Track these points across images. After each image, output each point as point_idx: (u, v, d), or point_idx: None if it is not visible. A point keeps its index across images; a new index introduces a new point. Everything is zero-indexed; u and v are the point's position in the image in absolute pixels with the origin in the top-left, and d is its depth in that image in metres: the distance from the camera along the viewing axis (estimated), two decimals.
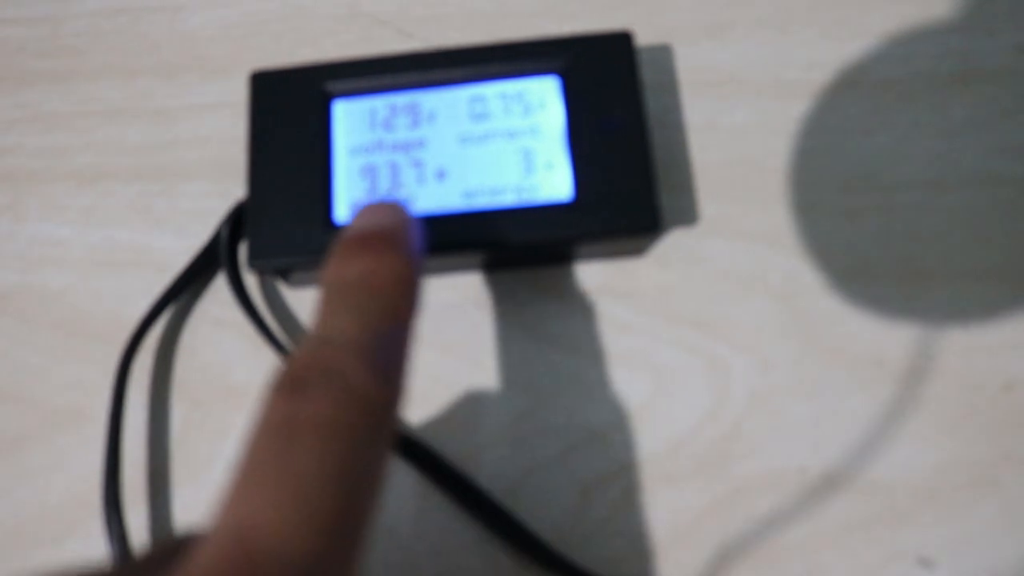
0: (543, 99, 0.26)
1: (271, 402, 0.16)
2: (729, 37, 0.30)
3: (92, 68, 0.32)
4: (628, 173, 0.25)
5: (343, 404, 0.16)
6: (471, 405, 0.27)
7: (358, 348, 0.17)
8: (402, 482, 0.26)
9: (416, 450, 0.26)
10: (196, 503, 0.27)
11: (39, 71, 0.32)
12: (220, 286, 0.29)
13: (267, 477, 0.15)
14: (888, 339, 0.27)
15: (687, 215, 0.28)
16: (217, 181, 0.30)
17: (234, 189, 0.29)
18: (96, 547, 0.26)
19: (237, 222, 0.28)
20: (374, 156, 0.26)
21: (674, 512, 0.25)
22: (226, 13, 0.32)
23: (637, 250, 0.27)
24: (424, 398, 0.27)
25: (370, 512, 0.16)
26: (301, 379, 0.16)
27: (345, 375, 0.17)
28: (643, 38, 0.30)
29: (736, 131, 0.29)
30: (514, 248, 0.25)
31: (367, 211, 0.20)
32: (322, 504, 0.15)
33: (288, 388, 0.16)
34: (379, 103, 0.26)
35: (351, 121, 0.26)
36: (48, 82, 0.32)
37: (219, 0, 0.32)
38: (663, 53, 0.30)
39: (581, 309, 0.27)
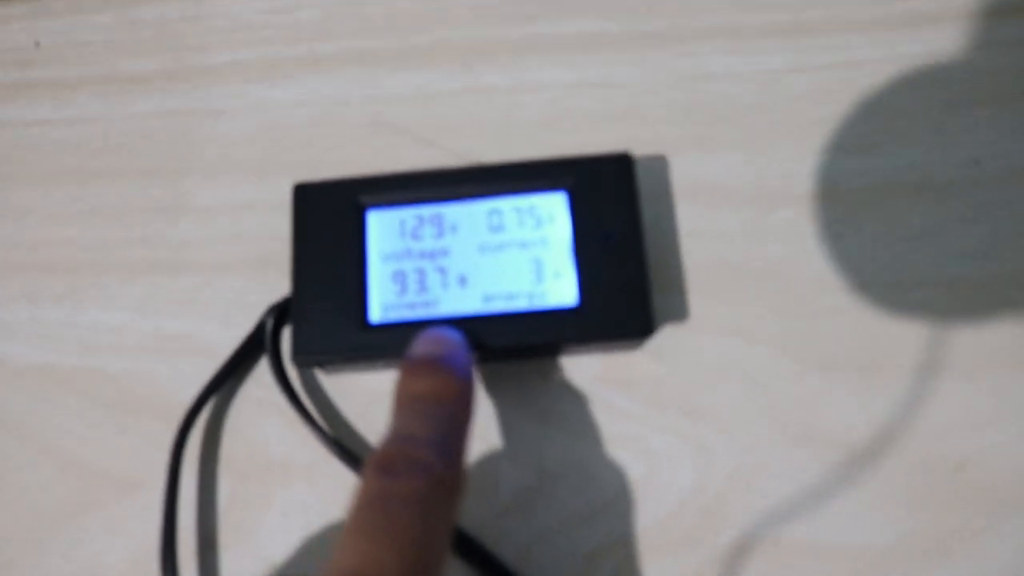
0: (552, 213, 0.31)
1: (369, 480, 0.23)
2: (717, 151, 0.35)
3: (141, 167, 0.37)
4: (626, 283, 0.30)
5: (424, 483, 0.23)
6: (485, 480, 0.32)
7: (433, 444, 0.24)
8: None
9: None
10: (242, 566, 0.31)
11: (93, 169, 0.37)
12: (262, 371, 0.33)
13: (370, 534, 0.22)
14: (853, 423, 0.31)
15: (678, 312, 0.33)
16: (257, 274, 0.34)
17: (272, 281, 0.34)
18: None
19: (280, 315, 0.32)
20: (404, 262, 0.31)
21: None
22: (263, 118, 0.37)
23: (633, 345, 0.32)
24: None
25: (444, 558, 0.23)
26: (392, 464, 0.24)
27: (424, 463, 0.24)
28: (639, 149, 0.35)
29: (722, 236, 0.34)
30: (526, 348, 0.30)
31: (428, 338, 0.28)
32: (411, 553, 0.22)
33: (383, 471, 0.23)
34: (408, 214, 0.31)
35: (383, 230, 0.31)
36: (101, 179, 0.37)
37: (255, 106, 0.37)
38: (657, 163, 0.35)
39: (582, 396, 0.32)
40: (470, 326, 0.30)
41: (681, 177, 0.35)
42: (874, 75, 0.36)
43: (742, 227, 0.34)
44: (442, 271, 0.30)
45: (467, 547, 0.30)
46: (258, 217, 0.35)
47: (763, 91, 0.36)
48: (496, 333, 0.29)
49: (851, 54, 0.36)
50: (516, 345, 0.29)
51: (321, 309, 0.30)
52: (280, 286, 0.33)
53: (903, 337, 0.32)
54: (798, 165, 0.35)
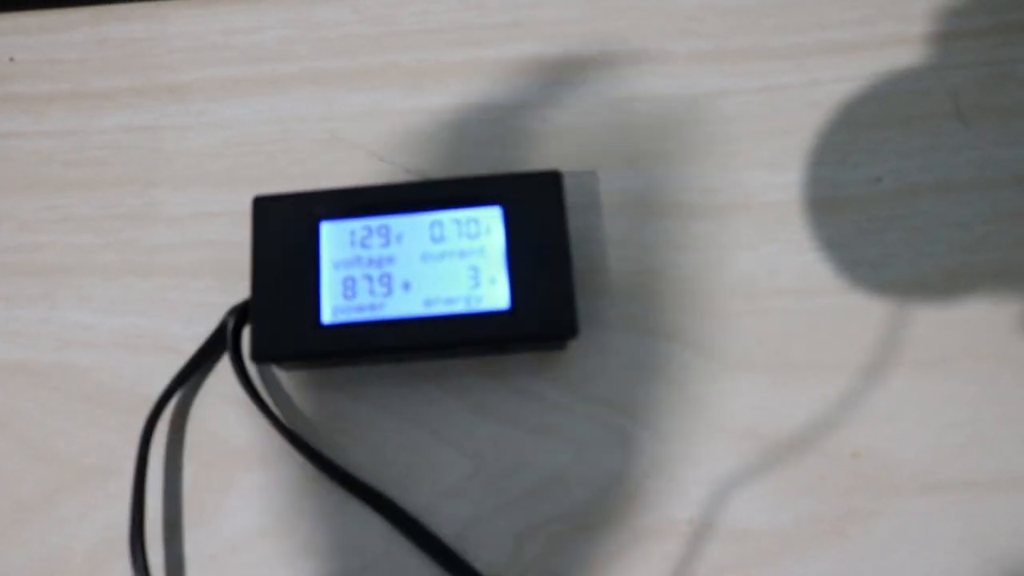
0: (489, 225, 0.35)
1: None
2: (642, 166, 0.40)
3: (113, 178, 0.41)
4: (554, 288, 0.34)
5: None
6: (427, 465, 0.36)
7: None
8: (372, 528, 0.35)
9: (382, 501, 0.35)
10: (205, 545, 0.36)
11: (68, 178, 0.41)
12: (223, 367, 0.38)
13: None
14: (761, 417, 0.36)
15: (604, 314, 0.38)
16: (220, 278, 0.39)
17: (235, 285, 0.38)
18: None
19: (240, 316, 0.37)
20: (353, 269, 0.35)
21: (587, 555, 0.35)
22: (227, 134, 0.41)
23: (561, 345, 0.37)
24: (390, 459, 0.36)
25: None
26: None
27: None
28: (574, 165, 0.39)
29: (645, 245, 0.39)
30: (464, 346, 0.35)
31: None
32: None
33: None
34: (357, 225, 0.36)
35: (335, 240, 0.36)
36: (75, 188, 0.41)
37: (221, 123, 0.42)
38: (588, 178, 0.40)
39: (517, 390, 0.37)
40: (412, 327, 0.34)
41: (610, 191, 0.39)
42: (791, 99, 0.41)
43: (665, 237, 0.39)
44: (388, 277, 0.35)
45: (410, 528, 0.35)
46: (222, 226, 0.40)
47: (688, 112, 0.41)
48: (436, 333, 0.34)
49: (770, 79, 0.41)
50: (454, 344, 0.34)
51: (277, 311, 0.35)
52: (241, 289, 0.37)
53: (808, 339, 0.37)
54: (717, 181, 0.39)
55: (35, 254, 0.40)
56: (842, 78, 0.41)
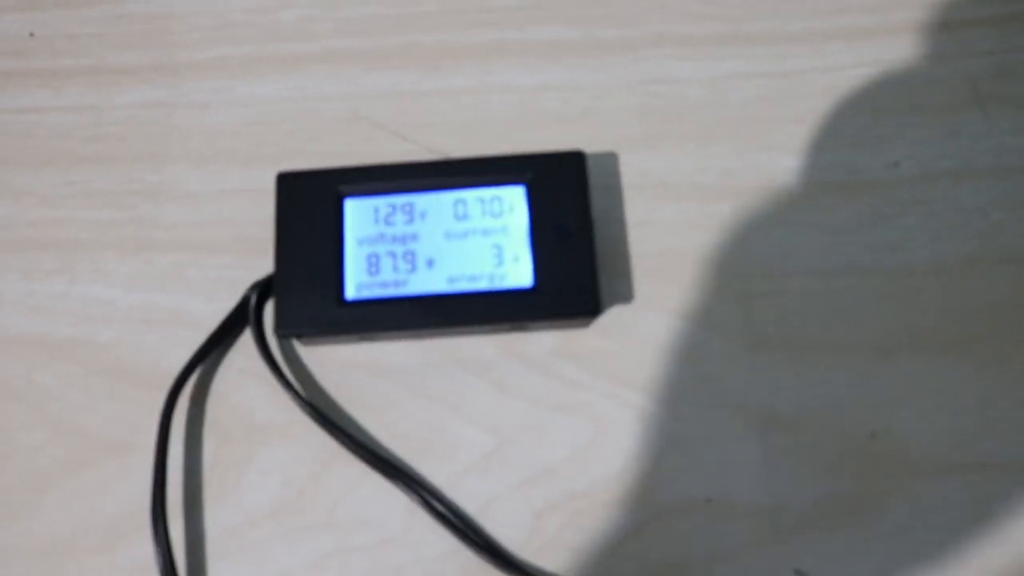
0: (512, 204, 0.36)
1: None
2: (662, 148, 0.41)
3: (132, 153, 0.42)
4: (576, 267, 0.35)
5: None
6: (448, 441, 0.37)
7: None
8: (393, 503, 0.36)
9: (403, 476, 0.36)
10: (225, 519, 0.36)
11: (85, 154, 0.42)
12: (244, 343, 0.38)
13: None
14: (779, 397, 0.37)
15: (625, 294, 0.38)
16: (239, 255, 0.39)
17: (254, 262, 0.39)
18: (140, 555, 0.35)
19: (262, 292, 0.37)
20: (377, 246, 0.36)
21: (608, 532, 0.36)
22: (246, 112, 0.42)
23: (583, 324, 0.37)
24: (412, 436, 0.37)
25: None
26: None
27: None
28: (595, 147, 0.40)
29: (665, 226, 0.39)
30: (486, 324, 0.35)
31: None
32: None
33: None
34: (382, 202, 0.36)
35: (359, 216, 0.36)
36: (93, 164, 0.41)
37: (240, 101, 0.42)
38: (609, 159, 0.40)
39: (537, 368, 0.38)
40: (436, 304, 0.35)
41: (631, 173, 0.40)
42: (809, 83, 0.42)
43: (684, 218, 0.39)
44: (411, 254, 0.36)
45: (430, 503, 0.35)
46: (241, 203, 0.40)
47: (707, 95, 0.42)
48: (459, 310, 0.35)
49: (789, 64, 0.42)
50: (477, 321, 0.35)
51: (301, 286, 0.35)
52: (260, 266, 0.38)
53: (826, 320, 0.38)
54: (736, 163, 0.40)
55: (53, 229, 0.40)
56: (860, 63, 0.42)
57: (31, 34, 0.44)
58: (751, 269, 0.39)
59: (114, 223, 0.40)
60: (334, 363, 0.38)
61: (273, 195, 0.37)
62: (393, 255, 0.36)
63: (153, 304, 0.39)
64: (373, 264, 0.36)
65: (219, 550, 0.36)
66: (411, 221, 0.36)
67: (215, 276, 0.39)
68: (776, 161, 0.40)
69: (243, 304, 0.38)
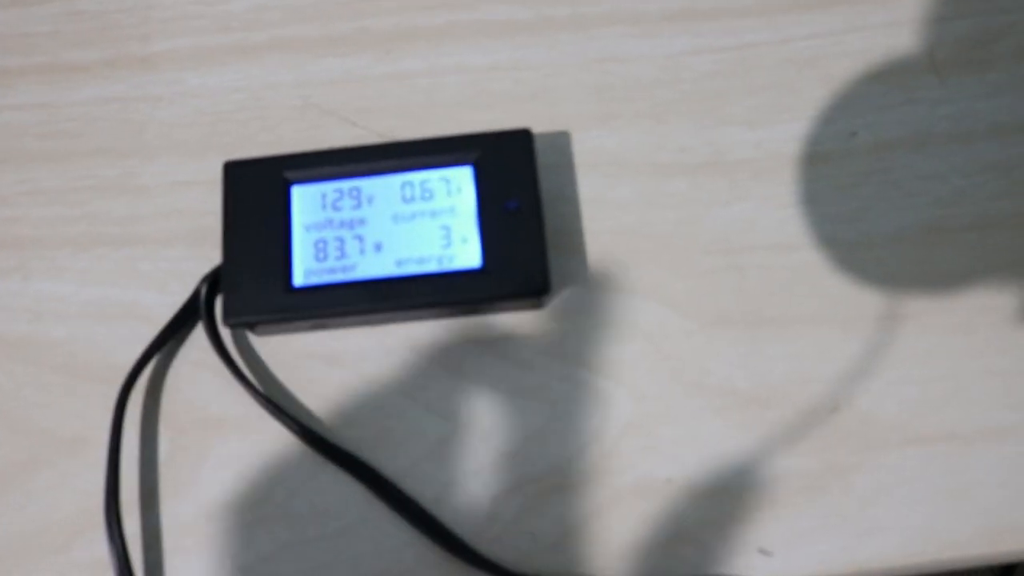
0: (460, 185, 0.35)
1: None
2: (615, 125, 0.39)
3: (86, 149, 0.40)
4: (526, 246, 0.33)
5: None
6: (404, 428, 0.35)
7: None
8: (349, 493, 0.34)
9: (359, 466, 0.34)
10: (181, 513, 0.34)
11: (38, 151, 0.40)
12: (197, 336, 0.37)
13: None
14: (739, 373, 0.35)
15: (578, 274, 0.37)
16: (193, 247, 0.38)
17: (207, 253, 0.37)
18: (97, 553, 0.34)
19: (213, 283, 0.36)
20: (324, 232, 0.34)
21: (565, 515, 0.34)
22: (198, 103, 0.40)
23: (536, 305, 0.36)
24: (366, 423, 0.35)
25: None
26: None
27: None
28: (546, 126, 0.38)
29: (620, 204, 0.38)
30: (436, 306, 0.33)
31: None
32: None
33: None
34: (328, 188, 0.35)
35: (306, 203, 0.35)
36: (47, 161, 0.40)
37: (192, 92, 0.40)
38: (562, 138, 0.39)
39: (491, 351, 0.36)
40: (385, 287, 0.33)
41: (584, 151, 0.38)
42: (762, 56, 0.40)
43: (639, 196, 0.38)
44: (359, 239, 0.34)
45: (387, 492, 0.34)
46: (194, 194, 0.39)
47: (661, 72, 0.40)
48: (409, 293, 0.33)
49: (742, 37, 0.40)
50: (427, 303, 0.33)
51: (249, 275, 0.34)
52: (215, 257, 0.36)
53: (786, 294, 0.36)
54: (692, 139, 0.38)
55: (7, 227, 0.39)
56: (815, 35, 0.40)
57: None
58: (708, 245, 0.37)
59: (67, 219, 0.39)
60: (288, 353, 0.36)
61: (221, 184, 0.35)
62: (341, 240, 0.34)
63: (107, 299, 0.38)
64: (321, 250, 0.34)
65: (176, 545, 0.34)
66: (358, 206, 0.34)
67: (169, 268, 0.38)
68: (732, 136, 0.39)
69: (194, 297, 0.36)
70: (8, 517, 0.35)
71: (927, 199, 0.37)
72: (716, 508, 0.34)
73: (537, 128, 0.36)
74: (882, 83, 0.39)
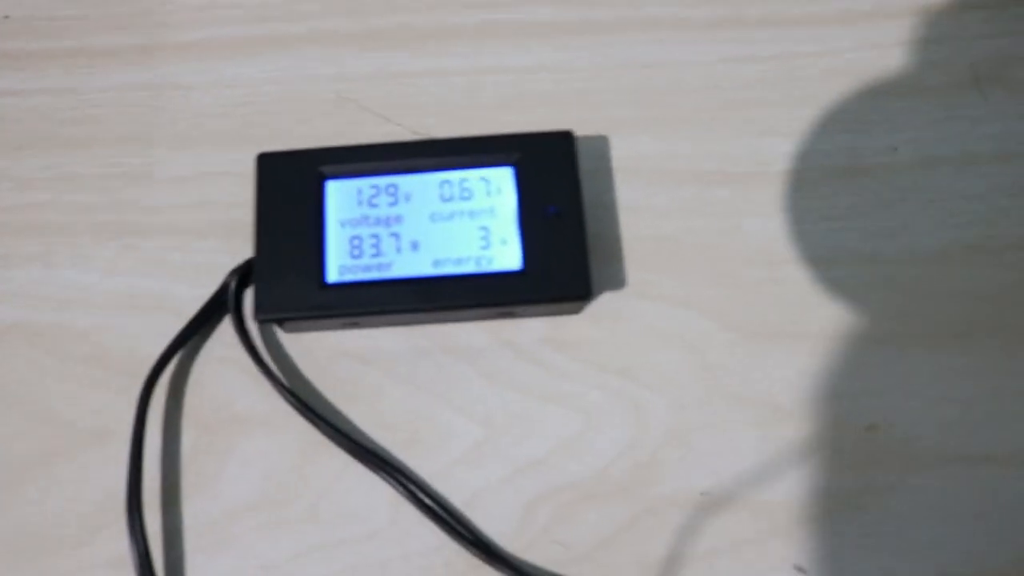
0: (500, 186, 0.34)
1: None
2: (657, 132, 0.38)
3: (114, 136, 0.39)
4: (567, 249, 0.32)
5: None
6: (435, 432, 0.34)
7: None
8: (380, 495, 0.33)
9: (391, 469, 0.33)
10: (204, 511, 0.33)
11: (64, 138, 0.39)
12: (224, 330, 0.36)
13: None
14: (778, 387, 0.34)
15: (616, 280, 0.36)
16: (224, 239, 0.37)
17: (238, 246, 0.36)
18: (117, 548, 0.32)
19: (243, 277, 0.35)
20: (360, 228, 0.33)
21: (599, 526, 0.33)
22: (231, 93, 0.39)
23: (574, 310, 0.35)
24: (398, 427, 0.34)
25: None
26: None
27: None
28: (587, 129, 0.37)
29: (659, 211, 0.37)
30: (474, 307, 0.32)
31: None
32: None
33: None
34: (365, 184, 0.34)
35: (341, 198, 0.34)
36: (72, 147, 0.39)
37: (225, 82, 0.39)
38: (602, 143, 0.38)
39: (528, 356, 0.35)
40: (421, 287, 0.32)
41: (624, 157, 0.38)
42: (807, 67, 0.39)
43: (680, 204, 0.37)
44: (396, 236, 0.33)
45: (417, 496, 0.33)
46: (225, 186, 0.38)
47: (703, 79, 0.39)
48: (445, 293, 0.32)
49: (787, 47, 0.39)
50: (464, 304, 0.32)
51: (281, 269, 0.33)
52: (244, 250, 0.35)
53: (825, 308, 0.35)
54: (734, 148, 0.38)
55: (31, 212, 0.38)
56: (859, 47, 0.39)
57: (6, 16, 0.41)
58: (750, 256, 0.36)
59: (94, 207, 0.38)
60: (317, 351, 0.35)
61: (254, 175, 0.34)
62: (377, 237, 0.33)
63: (134, 289, 0.36)
64: (356, 247, 0.33)
65: (198, 543, 0.33)
66: (395, 203, 0.33)
67: (199, 261, 0.37)
68: (774, 146, 0.38)
69: (222, 290, 0.35)
70: (28, 509, 0.34)
71: (969, 217, 0.36)
72: (752, 522, 0.33)
73: (577, 132, 0.35)
74: (924, 99, 0.38)
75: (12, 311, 0.36)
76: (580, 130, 0.36)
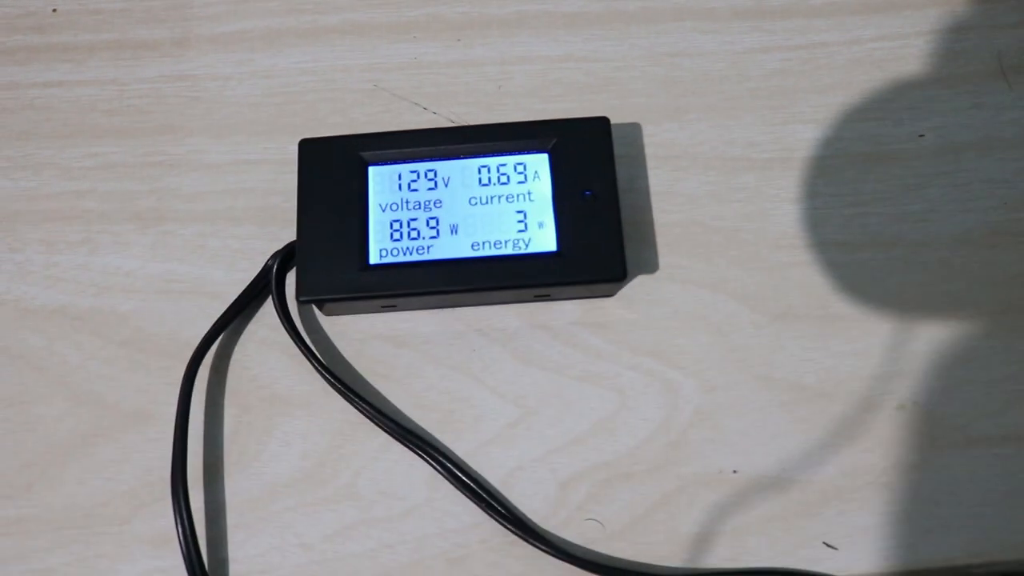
0: (536, 170, 0.34)
1: None
2: (686, 119, 0.38)
3: (154, 126, 0.39)
4: (602, 232, 0.33)
5: None
6: (471, 412, 0.34)
7: None
8: (417, 474, 0.33)
9: (428, 448, 0.33)
10: (245, 489, 0.34)
11: (107, 127, 0.39)
12: (264, 312, 0.36)
13: None
14: (806, 368, 0.34)
15: (649, 264, 0.36)
16: (261, 226, 0.37)
17: (276, 232, 0.36)
18: (158, 525, 0.33)
19: (284, 260, 0.35)
20: (400, 212, 0.33)
21: (632, 503, 0.33)
22: (268, 83, 0.40)
23: (608, 292, 0.35)
24: (435, 407, 0.34)
25: None
26: None
27: None
28: (618, 117, 0.37)
29: (690, 197, 0.37)
30: (509, 289, 0.33)
31: None
32: None
33: None
34: (405, 169, 0.34)
35: (382, 183, 0.34)
36: (115, 137, 0.39)
37: (262, 72, 0.40)
38: (633, 130, 0.38)
39: (562, 338, 0.35)
40: (459, 268, 0.33)
41: (654, 144, 0.38)
42: (831, 56, 0.39)
43: (708, 189, 0.37)
44: (436, 220, 0.33)
45: (454, 474, 0.33)
46: (262, 174, 0.38)
47: (730, 68, 0.39)
48: (483, 275, 0.33)
49: (811, 37, 0.40)
50: (501, 286, 0.33)
51: (324, 252, 0.33)
52: (281, 236, 0.36)
53: (851, 291, 0.35)
54: (761, 135, 0.38)
55: (74, 200, 0.38)
56: (883, 36, 0.39)
57: (54, 10, 0.42)
58: (777, 240, 0.36)
59: (136, 194, 0.38)
60: (356, 333, 0.36)
61: (294, 165, 0.35)
62: (416, 220, 0.33)
63: (174, 274, 0.37)
64: (396, 230, 0.33)
65: (239, 520, 0.33)
66: (435, 187, 0.34)
67: (236, 246, 0.37)
68: (800, 133, 0.38)
69: (264, 273, 0.35)
70: (72, 488, 0.34)
71: (992, 202, 0.37)
72: (782, 500, 0.33)
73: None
74: (949, 87, 0.38)
75: (57, 295, 0.37)
76: (611, 117, 0.36)
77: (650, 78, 0.39)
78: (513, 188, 0.34)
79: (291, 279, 0.35)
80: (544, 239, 0.33)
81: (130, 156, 0.39)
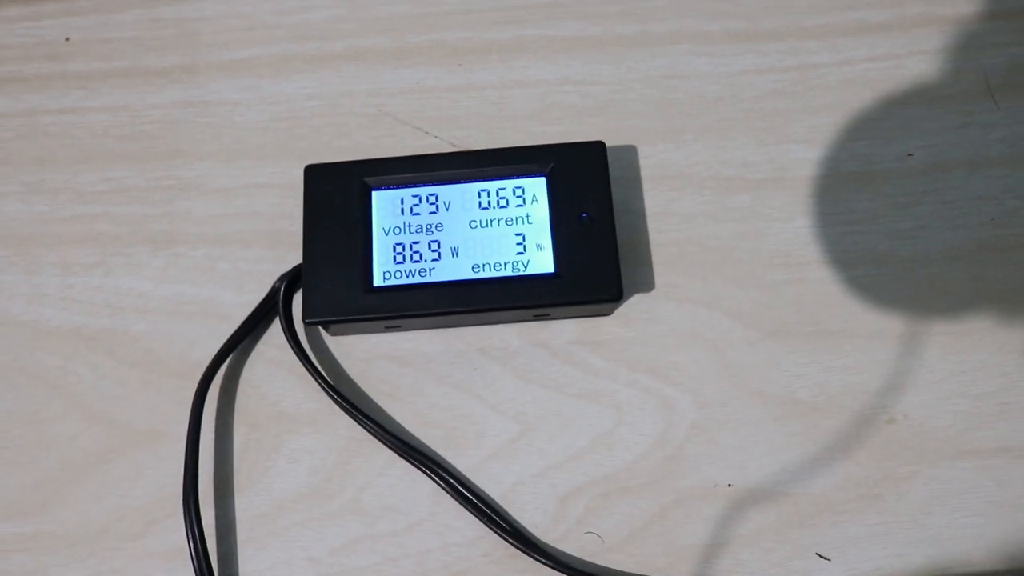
0: (534, 194, 0.35)
1: None
2: (682, 140, 0.39)
3: (165, 151, 0.40)
4: (598, 254, 0.33)
5: None
6: (472, 429, 0.35)
7: None
8: (420, 489, 0.34)
9: (431, 464, 0.34)
10: (254, 505, 0.34)
11: (120, 152, 0.40)
12: (272, 333, 0.37)
13: None
14: (799, 383, 0.35)
15: (645, 283, 0.37)
16: (269, 248, 0.38)
17: (283, 255, 0.37)
18: (169, 541, 0.34)
19: (291, 282, 0.36)
20: (403, 235, 0.34)
21: (630, 517, 0.34)
22: (276, 109, 0.40)
23: (605, 312, 0.36)
24: (438, 424, 0.35)
25: None
26: None
27: None
28: (614, 139, 0.38)
29: (685, 217, 0.38)
30: (509, 310, 0.34)
31: None
32: None
33: None
34: (407, 193, 0.35)
35: (385, 207, 0.35)
36: (127, 162, 0.40)
37: (269, 98, 0.41)
38: (630, 152, 0.39)
39: (561, 356, 0.36)
40: (461, 290, 0.33)
41: (650, 164, 0.38)
42: (824, 77, 0.40)
43: (703, 209, 0.38)
44: (437, 243, 0.34)
45: (456, 489, 0.34)
46: (270, 197, 0.39)
47: (725, 89, 0.40)
48: (484, 296, 0.33)
49: (804, 58, 0.40)
50: (501, 306, 0.33)
51: (329, 274, 0.34)
52: (289, 258, 0.37)
53: (844, 307, 0.36)
54: (754, 155, 0.38)
55: (89, 223, 0.39)
56: (874, 57, 0.40)
57: (67, 39, 0.43)
58: (771, 258, 0.37)
59: (148, 218, 0.39)
60: (361, 353, 0.36)
61: (300, 190, 0.36)
62: (419, 244, 0.34)
63: (185, 296, 0.38)
64: (399, 252, 0.34)
65: (249, 535, 0.34)
66: (436, 211, 0.35)
67: (245, 268, 0.38)
68: (793, 153, 0.39)
69: (272, 294, 0.36)
70: (87, 505, 0.35)
71: (981, 219, 0.37)
72: (776, 513, 0.34)
73: (605, 141, 0.36)
74: (938, 106, 0.39)
75: (72, 316, 0.37)
76: (608, 140, 0.36)
77: (646, 100, 0.40)
78: (512, 211, 0.34)
79: (298, 300, 0.36)
80: (542, 261, 0.34)
81: (142, 180, 0.40)
